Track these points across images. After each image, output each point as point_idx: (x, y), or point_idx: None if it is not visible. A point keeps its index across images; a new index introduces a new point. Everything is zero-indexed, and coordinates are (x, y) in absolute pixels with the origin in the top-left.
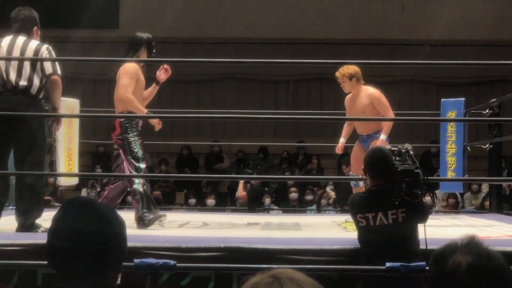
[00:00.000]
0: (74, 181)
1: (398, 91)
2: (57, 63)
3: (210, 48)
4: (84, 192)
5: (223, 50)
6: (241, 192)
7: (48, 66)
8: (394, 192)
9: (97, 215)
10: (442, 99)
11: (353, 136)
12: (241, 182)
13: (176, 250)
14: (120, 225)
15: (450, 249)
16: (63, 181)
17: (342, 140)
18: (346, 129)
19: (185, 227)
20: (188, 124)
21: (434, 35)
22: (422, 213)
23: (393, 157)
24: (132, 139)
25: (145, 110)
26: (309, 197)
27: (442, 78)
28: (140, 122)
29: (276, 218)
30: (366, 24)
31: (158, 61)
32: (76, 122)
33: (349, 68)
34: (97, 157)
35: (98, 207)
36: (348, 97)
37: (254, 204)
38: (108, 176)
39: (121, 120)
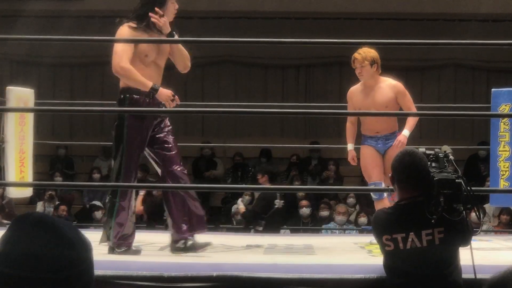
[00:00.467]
0: (28, 192)
1: (438, 79)
2: None
3: (201, 24)
4: (40, 207)
5: (217, 26)
6: (138, 207)
7: None
8: (430, 208)
9: (56, 235)
10: (493, 89)
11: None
12: (140, 195)
13: (157, 280)
14: (85, 248)
15: (508, 279)
16: (14, 193)
17: (351, 147)
18: (351, 131)
19: (168, 250)
20: (173, 121)
21: (484, 8)
22: (464, 233)
23: (429, 163)
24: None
25: (150, 84)
26: (324, 213)
27: (493, 62)
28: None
29: (283, 239)
30: None
31: (138, 41)
32: (30, 118)
33: (371, 51)
34: (57, 162)
35: (57, 226)
36: (355, 88)
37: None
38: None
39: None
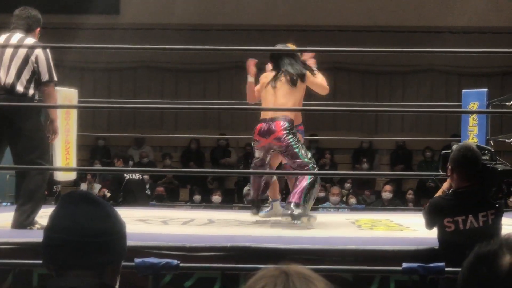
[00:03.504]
0: (72, 176)
1: (417, 82)
2: (52, 67)
3: (218, 35)
4: (83, 187)
5: (232, 38)
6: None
7: (43, 70)
8: (492, 194)
9: (96, 209)
10: (463, 90)
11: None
12: None
13: (180, 249)
14: (119, 221)
15: (497, 248)
16: (61, 176)
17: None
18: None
19: (189, 224)
20: (193, 116)
21: (456, 21)
22: (502, 212)
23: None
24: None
25: None
26: (321, 194)
27: (464, 67)
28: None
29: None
30: (382, 10)
31: (164, 49)
32: (74, 113)
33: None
34: (96, 151)
35: (97, 201)
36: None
37: None
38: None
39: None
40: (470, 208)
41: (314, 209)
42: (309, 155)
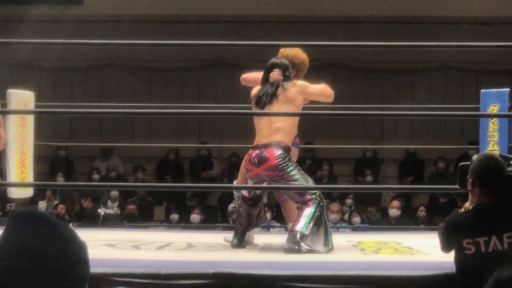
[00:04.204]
0: (28, 192)
1: (429, 81)
2: None
3: (196, 28)
4: (42, 205)
5: (213, 31)
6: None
7: None
8: None
9: (48, 229)
10: (482, 90)
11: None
12: None
13: (154, 277)
14: (77, 243)
15: None
16: (15, 193)
17: None
18: None
19: (166, 249)
20: (170, 122)
21: (473, 11)
22: None
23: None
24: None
25: None
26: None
27: (482, 64)
28: None
29: (277, 237)
30: None
31: (136, 44)
32: (30, 120)
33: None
34: (56, 163)
35: (50, 220)
36: None
37: None
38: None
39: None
40: (493, 228)
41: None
42: (311, 182)
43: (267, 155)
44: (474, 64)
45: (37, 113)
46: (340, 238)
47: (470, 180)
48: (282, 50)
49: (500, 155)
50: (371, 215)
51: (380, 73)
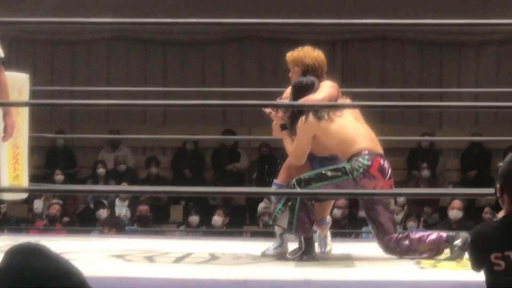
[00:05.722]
0: (23, 193)
1: (477, 58)
2: None
3: None
4: (37, 205)
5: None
6: None
7: None
8: None
9: (49, 264)
10: None
11: None
12: None
13: None
14: (78, 278)
15: None
16: (8, 196)
17: None
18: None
19: (184, 262)
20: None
21: None
22: None
23: None
24: None
25: None
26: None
27: None
28: None
29: (317, 247)
30: None
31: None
32: (25, 108)
33: (308, 54)
34: (54, 154)
35: (51, 255)
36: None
37: None
38: (67, 192)
39: None
40: None
41: (356, 234)
42: None
43: (390, 169)
44: None
45: (31, 105)
46: None
47: (498, 186)
48: (289, 54)
49: None
50: (428, 217)
51: (438, 47)
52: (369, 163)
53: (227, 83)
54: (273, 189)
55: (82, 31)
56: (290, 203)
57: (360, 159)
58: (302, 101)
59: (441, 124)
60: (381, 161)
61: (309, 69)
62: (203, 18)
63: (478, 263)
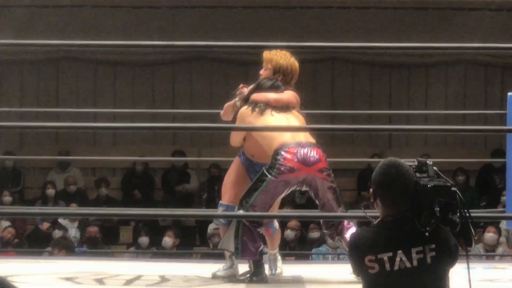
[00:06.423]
0: None
1: (446, 78)
2: None
3: (169, 15)
4: None
5: (188, 18)
6: None
7: None
8: (422, 219)
9: None
10: (509, 93)
11: None
12: None
13: None
14: None
15: None
16: None
17: None
18: None
19: (134, 284)
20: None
21: None
22: (451, 252)
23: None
24: None
25: None
26: (314, 235)
27: (509, 58)
28: None
29: (267, 268)
30: None
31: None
32: None
33: (284, 58)
34: (2, 175)
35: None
36: None
37: None
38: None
39: None
40: (400, 242)
41: (305, 256)
42: None
43: (317, 156)
44: (499, 59)
45: None
46: (343, 268)
47: (371, 191)
48: (266, 52)
49: (418, 161)
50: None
51: (388, 69)
52: (284, 156)
53: (177, 103)
54: (220, 210)
55: (31, 51)
56: (234, 228)
57: (275, 156)
58: (256, 95)
59: (390, 145)
60: (296, 150)
61: (280, 71)
62: (153, 40)
63: (355, 267)
